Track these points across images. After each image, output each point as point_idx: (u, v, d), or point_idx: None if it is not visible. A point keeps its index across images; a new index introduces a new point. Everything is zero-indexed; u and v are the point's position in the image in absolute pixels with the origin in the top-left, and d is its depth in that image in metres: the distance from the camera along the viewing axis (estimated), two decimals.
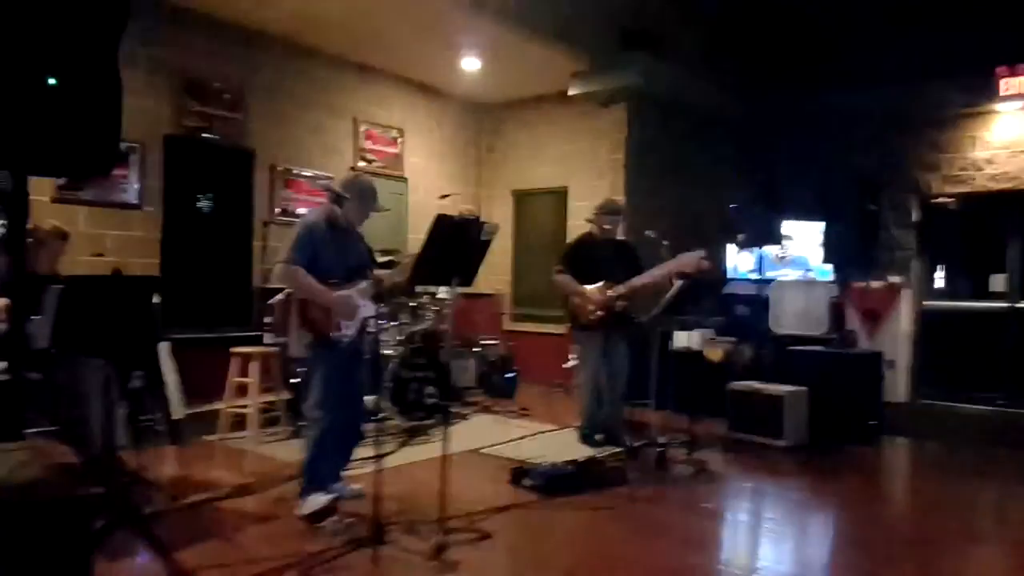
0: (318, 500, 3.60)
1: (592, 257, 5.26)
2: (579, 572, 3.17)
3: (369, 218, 3.89)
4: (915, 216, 8.24)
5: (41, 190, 5.18)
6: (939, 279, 8.44)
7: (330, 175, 7.00)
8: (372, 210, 3.83)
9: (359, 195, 3.74)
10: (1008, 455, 5.70)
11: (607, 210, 5.35)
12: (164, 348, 4.97)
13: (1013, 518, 4.35)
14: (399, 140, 8.12)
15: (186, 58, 6.24)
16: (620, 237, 5.58)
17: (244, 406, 5.27)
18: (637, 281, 5.05)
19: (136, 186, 5.94)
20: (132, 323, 3.56)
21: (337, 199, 3.72)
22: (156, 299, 3.91)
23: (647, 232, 5.44)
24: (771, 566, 3.37)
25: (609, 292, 5.11)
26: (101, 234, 5.71)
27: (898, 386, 7.66)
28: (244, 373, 5.27)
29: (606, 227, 5.30)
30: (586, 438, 5.32)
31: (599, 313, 5.12)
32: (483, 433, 5.70)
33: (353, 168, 7.47)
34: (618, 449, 5.15)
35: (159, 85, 6.07)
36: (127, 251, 5.74)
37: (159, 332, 4.72)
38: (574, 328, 5.36)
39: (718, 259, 7.98)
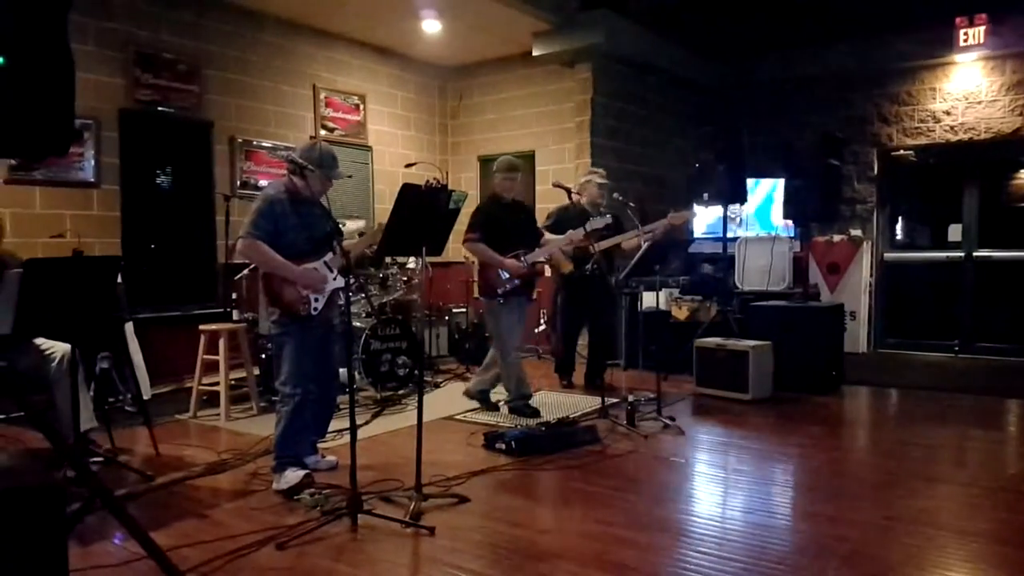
0: (294, 475, 3.63)
1: (502, 220, 5.10)
2: (553, 531, 3.24)
3: (332, 187, 3.84)
4: (876, 169, 8.39)
5: None
6: (899, 231, 8.64)
7: (291, 145, 6.89)
8: (334, 177, 3.78)
9: (318, 163, 3.66)
10: (964, 400, 5.89)
11: (507, 167, 5.16)
12: (129, 328, 4.92)
13: (969, 459, 4.53)
14: (361, 107, 8.01)
15: (137, 29, 6.06)
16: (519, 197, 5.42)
17: (214, 383, 5.25)
18: (544, 252, 5.16)
19: (92, 163, 5.80)
20: (96, 304, 3.51)
21: (298, 170, 3.65)
22: (119, 279, 3.85)
23: (615, 195, 5.48)
24: (738, 515, 3.48)
25: (524, 259, 5.03)
26: (59, 214, 5.59)
27: (859, 336, 7.87)
28: (213, 350, 5.24)
29: (509, 187, 5.14)
30: (518, 410, 5.18)
31: (516, 283, 5.04)
32: (457, 400, 5.75)
33: (312, 137, 7.35)
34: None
35: (111, 58, 5.90)
36: (87, 231, 5.62)
37: (124, 312, 4.66)
38: (486, 297, 5.17)
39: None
